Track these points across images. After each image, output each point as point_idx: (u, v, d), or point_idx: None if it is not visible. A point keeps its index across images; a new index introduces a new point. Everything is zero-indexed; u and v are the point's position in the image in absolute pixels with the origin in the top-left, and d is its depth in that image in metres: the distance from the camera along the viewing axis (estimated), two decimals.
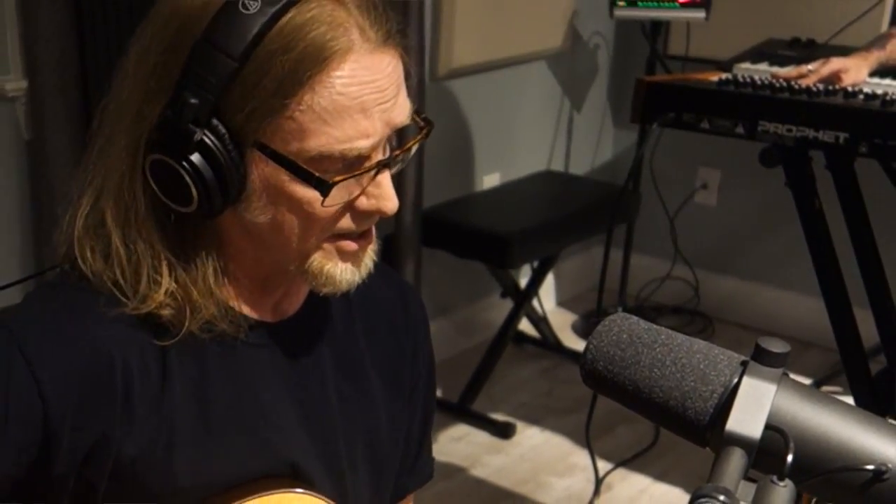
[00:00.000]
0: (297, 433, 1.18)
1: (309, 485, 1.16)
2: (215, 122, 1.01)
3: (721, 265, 3.95)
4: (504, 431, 3.16)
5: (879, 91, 2.25)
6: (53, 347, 1.06)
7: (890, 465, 0.76)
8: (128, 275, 1.06)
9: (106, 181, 1.08)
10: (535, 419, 3.27)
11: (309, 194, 1.04)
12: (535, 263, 3.50)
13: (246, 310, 1.15)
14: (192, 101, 1.00)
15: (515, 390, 3.42)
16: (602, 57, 4.05)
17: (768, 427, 0.76)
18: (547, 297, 3.89)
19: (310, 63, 1.00)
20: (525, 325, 3.69)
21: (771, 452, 0.76)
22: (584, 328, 3.86)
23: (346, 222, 1.08)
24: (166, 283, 1.06)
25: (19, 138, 2.51)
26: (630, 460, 3.03)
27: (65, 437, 1.05)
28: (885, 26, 3.28)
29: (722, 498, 0.70)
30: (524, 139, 3.83)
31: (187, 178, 1.02)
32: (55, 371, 1.05)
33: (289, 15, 1.00)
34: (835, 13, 3.30)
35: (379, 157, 1.05)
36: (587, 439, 2.84)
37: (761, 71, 2.54)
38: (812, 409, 0.78)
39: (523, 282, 3.59)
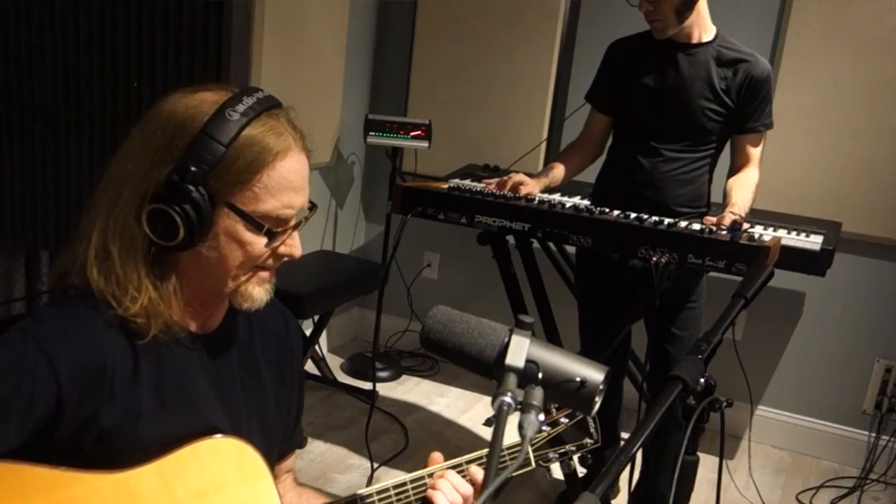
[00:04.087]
0: (216, 409, 1.27)
1: None
2: (203, 190, 1.13)
3: None
4: None
5: (547, 199, 2.56)
6: (66, 348, 1.12)
7: (586, 380, 1.03)
8: (118, 291, 1.15)
9: (113, 223, 1.16)
10: (319, 434, 3.29)
11: (255, 239, 1.18)
12: (317, 317, 3.56)
13: (186, 323, 1.24)
14: (193, 168, 1.12)
15: (304, 413, 3.18)
16: (357, 170, 4.16)
17: (527, 360, 1.02)
18: (322, 346, 3.92)
19: (267, 155, 1.15)
20: (308, 366, 3.70)
21: (528, 375, 1.02)
22: (350, 368, 3.92)
23: (268, 260, 1.22)
24: (142, 298, 1.15)
25: None
26: (390, 459, 3.13)
27: (69, 411, 1.12)
28: (542, 160, 3.64)
29: (510, 394, 0.96)
30: (305, 227, 3.84)
31: (179, 220, 1.12)
32: (67, 365, 1.11)
33: (253, 123, 1.15)
34: (511, 149, 3.55)
35: (293, 221, 1.21)
36: (366, 444, 2.97)
37: (468, 185, 2.76)
38: (548, 352, 1.04)
39: (307, 332, 3.60)
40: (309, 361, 3.69)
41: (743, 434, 3.67)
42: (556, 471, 2.96)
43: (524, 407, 0.97)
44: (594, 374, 1.05)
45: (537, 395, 0.99)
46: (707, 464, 3.43)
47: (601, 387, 1.05)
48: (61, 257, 1.21)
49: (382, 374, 3.88)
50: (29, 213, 2.36)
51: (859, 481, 3.35)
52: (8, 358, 1.11)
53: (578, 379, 1.04)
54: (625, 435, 2.99)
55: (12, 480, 1.10)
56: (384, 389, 3.77)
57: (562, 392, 1.05)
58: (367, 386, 3.69)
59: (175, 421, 1.22)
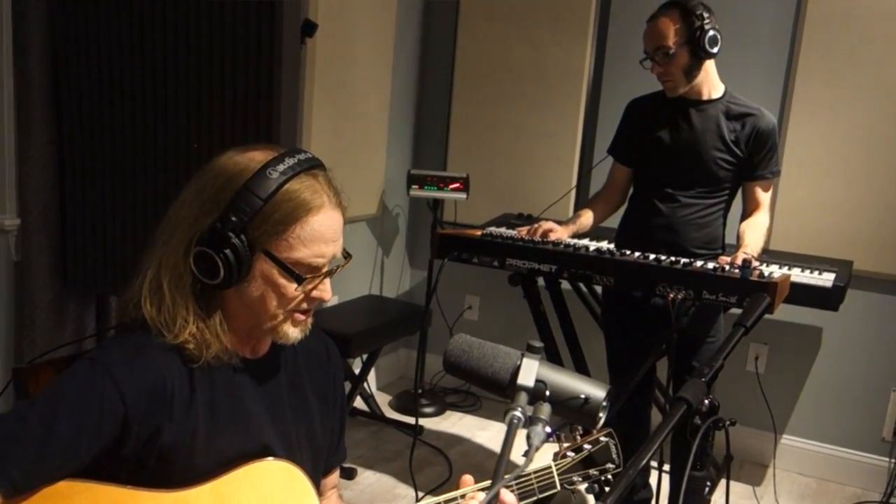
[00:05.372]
0: (268, 428, 1.31)
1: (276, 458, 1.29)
2: (243, 237, 1.19)
3: None
4: (349, 474, 3.19)
5: (572, 243, 2.57)
6: (130, 372, 1.17)
7: (590, 397, 1.08)
8: (168, 321, 1.20)
9: (165, 261, 1.23)
10: (368, 465, 3.31)
11: (288, 284, 1.22)
12: (365, 356, 3.57)
13: (236, 349, 1.28)
14: (234, 218, 1.18)
15: (355, 446, 3.44)
16: (401, 221, 4.20)
17: (537, 380, 1.07)
18: (371, 384, 3.98)
19: (301, 210, 1.20)
20: (358, 402, 3.75)
21: (538, 393, 1.07)
22: (397, 404, 3.92)
23: (302, 303, 1.26)
24: (190, 327, 1.21)
25: (10, 260, 2.49)
26: (434, 489, 3.10)
27: (134, 429, 1.16)
28: (571, 207, 3.67)
29: (519, 409, 1.01)
30: (353, 273, 3.88)
31: (220, 263, 1.18)
32: (132, 388, 1.16)
33: (292, 181, 1.20)
34: (542, 198, 3.62)
35: (326, 269, 1.25)
36: (411, 475, 2.98)
37: (499, 231, 2.82)
38: (555, 372, 1.10)
39: (356, 370, 3.61)
40: (358, 398, 3.70)
41: (769, 462, 3.62)
42: (593, 501, 2.95)
43: (532, 420, 1.03)
44: (597, 392, 1.10)
45: (545, 410, 1.05)
46: (736, 490, 3.40)
47: (604, 403, 1.10)
48: (124, 295, 1.27)
49: (427, 410, 3.89)
50: (99, 265, 2.43)
51: None
52: (79, 383, 1.16)
53: (583, 396, 1.09)
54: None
55: (84, 498, 1.15)
56: (429, 424, 3.79)
57: (568, 408, 1.09)
58: (413, 421, 3.68)
59: (228, 439, 1.26)
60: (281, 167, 1.21)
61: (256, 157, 1.23)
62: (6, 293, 2.51)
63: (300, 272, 1.23)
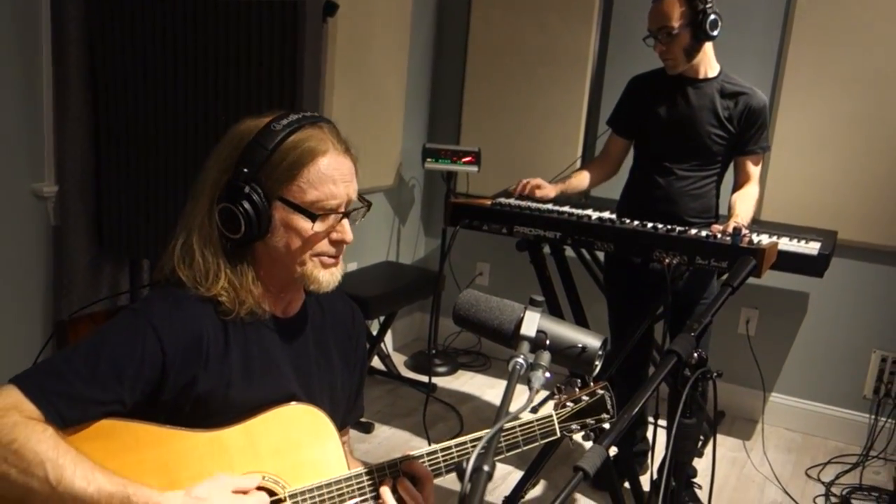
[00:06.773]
0: (294, 380, 1.33)
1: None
2: (256, 187, 1.20)
3: None
4: (366, 428, 3.22)
5: (574, 211, 2.57)
6: (170, 323, 1.19)
7: (586, 346, 1.12)
8: (201, 276, 1.22)
9: (193, 223, 1.25)
10: (385, 420, 3.33)
11: (306, 225, 1.22)
12: (382, 318, 3.59)
13: (268, 307, 1.30)
14: (245, 170, 1.20)
15: (372, 403, 3.48)
16: (417, 192, 4.21)
17: (538, 331, 1.11)
18: (388, 344, 3.97)
19: (307, 156, 1.21)
20: (375, 362, 3.76)
21: (538, 342, 1.10)
22: (412, 364, 3.93)
23: (326, 246, 1.26)
24: (222, 281, 1.22)
25: (48, 224, 2.50)
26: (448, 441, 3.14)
27: (172, 376, 1.18)
28: None
29: (522, 356, 1.05)
30: (371, 241, 3.89)
31: (239, 215, 1.19)
32: (170, 336, 1.18)
33: (297, 133, 1.21)
34: (548, 170, 3.47)
35: (343, 210, 1.25)
36: (425, 428, 3.03)
37: (507, 201, 2.76)
38: (555, 324, 1.13)
39: (374, 332, 3.63)
40: (376, 358, 3.71)
41: (758, 418, 3.66)
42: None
43: (534, 366, 1.07)
44: (593, 341, 1.14)
45: (545, 357, 1.09)
46: (727, 444, 3.44)
47: (599, 352, 1.13)
48: (160, 260, 1.29)
49: (441, 370, 3.90)
50: (133, 230, 2.44)
51: (861, 458, 3.32)
52: (122, 330, 1.18)
53: (580, 345, 1.13)
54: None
55: (127, 436, 1.19)
56: (442, 382, 3.82)
57: (566, 356, 1.13)
58: (427, 379, 3.72)
59: (259, 389, 1.28)
60: (285, 121, 1.23)
61: (266, 120, 1.25)
62: (45, 256, 2.52)
63: (315, 212, 1.23)
